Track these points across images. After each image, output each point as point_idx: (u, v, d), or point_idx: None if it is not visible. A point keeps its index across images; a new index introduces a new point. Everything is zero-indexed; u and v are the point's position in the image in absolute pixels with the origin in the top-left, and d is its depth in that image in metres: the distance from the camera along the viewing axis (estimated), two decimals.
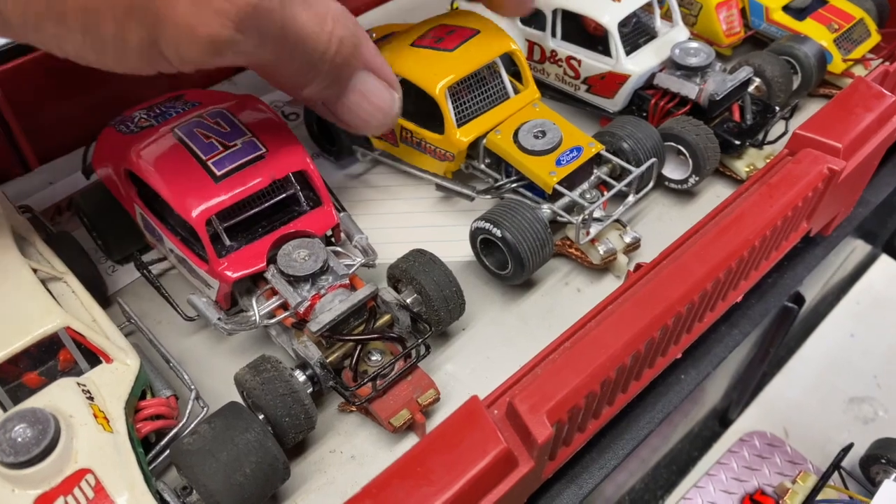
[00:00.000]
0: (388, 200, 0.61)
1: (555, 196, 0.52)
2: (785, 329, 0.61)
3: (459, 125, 0.53)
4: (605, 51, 0.61)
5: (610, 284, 0.54)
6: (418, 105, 0.54)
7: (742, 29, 0.72)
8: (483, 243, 0.52)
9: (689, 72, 0.59)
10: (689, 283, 0.42)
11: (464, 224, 0.54)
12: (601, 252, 0.52)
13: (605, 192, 0.53)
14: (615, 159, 0.54)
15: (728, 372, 0.64)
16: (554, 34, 0.64)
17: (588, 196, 0.53)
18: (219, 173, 0.45)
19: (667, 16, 0.65)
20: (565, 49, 0.63)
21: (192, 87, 0.55)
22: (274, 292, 0.46)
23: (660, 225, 0.59)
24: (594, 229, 0.52)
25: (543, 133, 0.53)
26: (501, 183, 0.55)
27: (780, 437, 0.69)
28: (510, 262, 0.50)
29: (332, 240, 0.52)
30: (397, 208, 0.60)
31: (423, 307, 0.47)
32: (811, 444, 0.69)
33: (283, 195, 0.48)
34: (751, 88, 0.62)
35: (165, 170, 0.46)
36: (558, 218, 0.52)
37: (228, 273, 0.45)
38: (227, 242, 0.46)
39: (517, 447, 0.36)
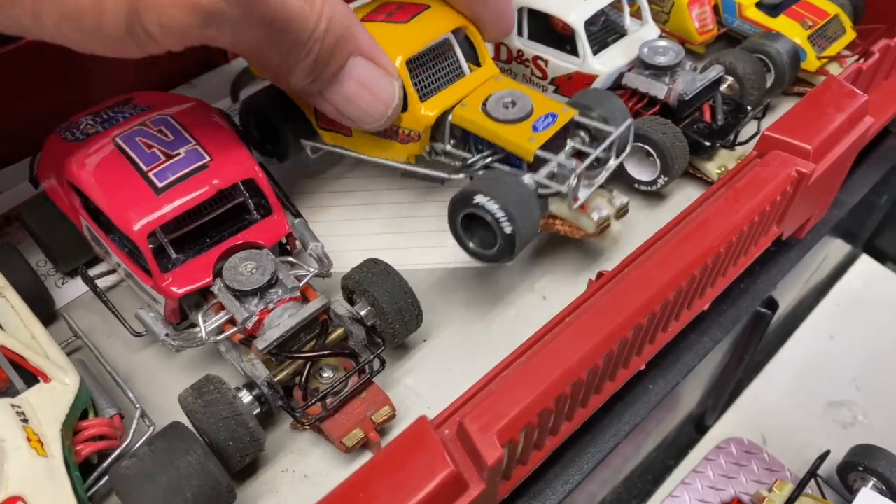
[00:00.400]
0: (349, 206, 0.59)
1: (535, 165, 0.48)
2: (759, 335, 0.59)
3: (422, 101, 0.50)
4: (573, 50, 0.59)
5: (576, 290, 0.53)
6: None
7: (715, 26, 0.71)
8: (464, 221, 0.47)
9: (658, 71, 0.58)
10: (649, 294, 0.40)
11: (429, 230, 0.53)
12: (595, 219, 0.49)
13: (583, 162, 0.50)
14: (592, 122, 0.50)
15: (703, 378, 0.62)
16: (521, 33, 0.62)
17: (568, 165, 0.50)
18: (160, 185, 0.43)
19: (638, 14, 0.63)
20: (532, 49, 0.62)
21: (151, 89, 0.53)
22: (222, 307, 0.44)
23: (628, 228, 0.57)
24: (583, 194, 0.48)
25: (513, 102, 0.49)
26: (474, 160, 0.50)
27: (758, 444, 0.68)
28: (498, 238, 0.45)
29: (288, 248, 0.50)
30: (358, 214, 0.58)
31: (378, 320, 0.45)
32: (789, 450, 0.67)
33: (231, 205, 0.46)
34: (723, 87, 0.61)
35: (106, 182, 0.44)
36: (541, 189, 0.47)
37: (173, 289, 0.43)
38: (173, 256, 0.44)
39: (468, 469, 0.35)
